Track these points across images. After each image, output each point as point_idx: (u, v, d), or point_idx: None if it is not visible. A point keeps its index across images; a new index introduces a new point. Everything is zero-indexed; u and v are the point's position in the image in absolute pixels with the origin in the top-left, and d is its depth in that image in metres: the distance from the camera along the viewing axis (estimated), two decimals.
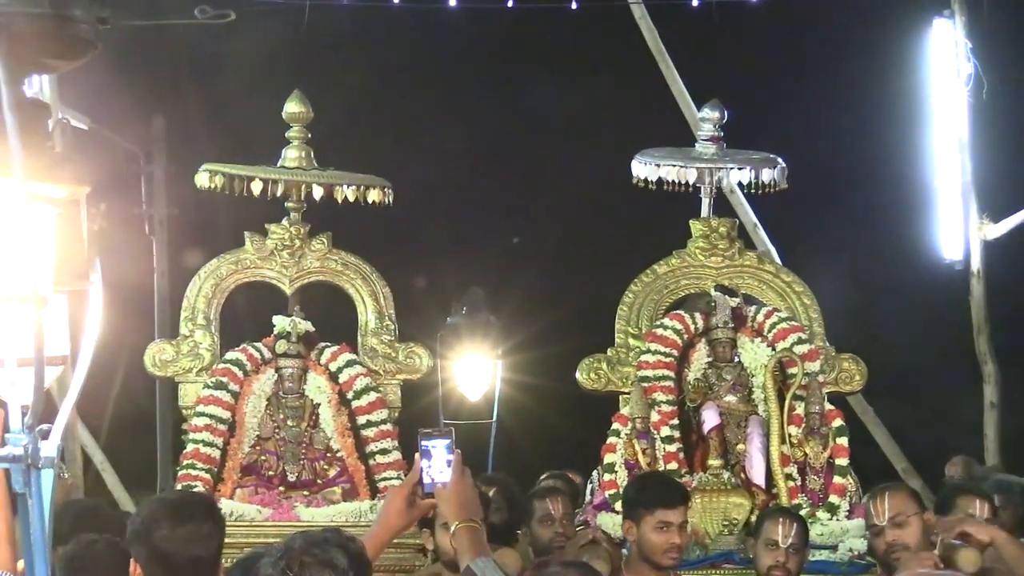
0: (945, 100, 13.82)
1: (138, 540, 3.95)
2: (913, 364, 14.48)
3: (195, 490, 6.34)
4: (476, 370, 16.19)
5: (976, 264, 13.70)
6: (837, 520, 6.57)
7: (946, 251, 13.96)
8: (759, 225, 12.67)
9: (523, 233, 16.25)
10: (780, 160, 7.18)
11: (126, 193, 14.07)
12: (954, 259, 13.89)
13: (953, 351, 13.99)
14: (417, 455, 4.25)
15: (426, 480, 4.22)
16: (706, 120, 7.25)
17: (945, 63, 13.76)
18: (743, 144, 7.44)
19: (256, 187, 6.83)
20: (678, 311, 7.02)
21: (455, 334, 16.14)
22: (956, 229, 13.84)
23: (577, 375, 6.90)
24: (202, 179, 6.87)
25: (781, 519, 6.08)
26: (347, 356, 6.87)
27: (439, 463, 4.22)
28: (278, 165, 6.98)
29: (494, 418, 16.19)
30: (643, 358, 6.84)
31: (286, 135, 7.03)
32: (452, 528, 4.11)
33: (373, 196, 6.90)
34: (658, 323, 6.95)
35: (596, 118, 15.00)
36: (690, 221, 7.19)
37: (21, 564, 2.85)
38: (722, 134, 7.22)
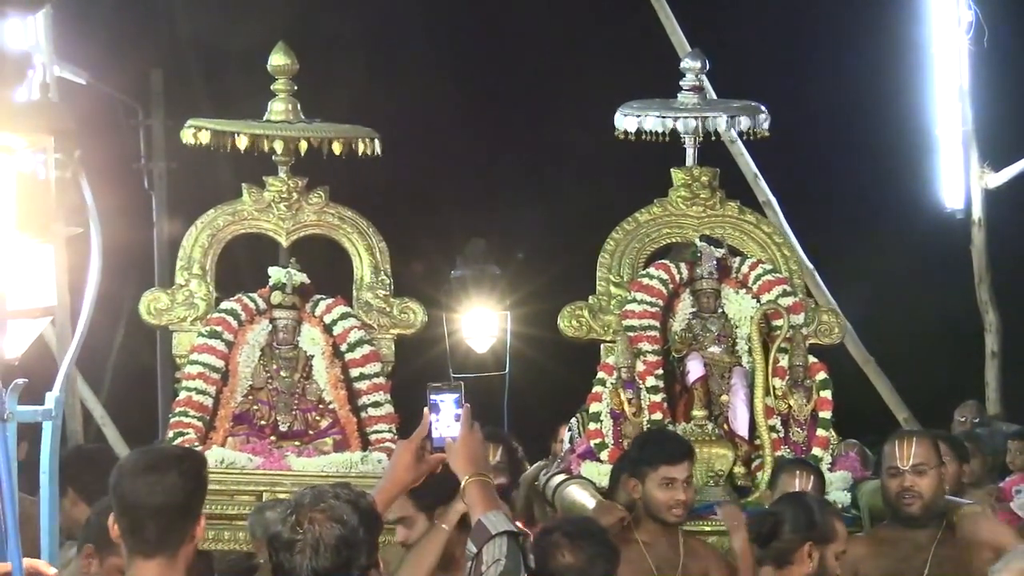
0: (946, 48, 13.76)
1: (112, 491, 3.98)
2: (914, 313, 14.49)
3: (180, 443, 6.32)
4: (482, 322, 16.12)
5: (977, 212, 13.68)
6: None
7: (947, 200, 13.94)
8: (759, 176, 12.62)
9: (529, 182, 16.16)
10: (762, 107, 7.12)
11: (124, 147, 14.04)
12: (955, 208, 13.87)
13: (954, 300, 13.98)
14: (426, 409, 4.25)
15: (435, 434, 4.22)
16: (687, 70, 7.19)
17: (946, 10, 13.70)
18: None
19: (240, 143, 6.76)
20: (663, 260, 6.97)
21: (461, 286, 16.07)
22: (957, 178, 13.82)
23: (559, 323, 6.85)
24: (187, 136, 6.81)
25: (798, 471, 6.09)
26: (342, 309, 6.83)
27: (447, 417, 4.21)
28: (264, 119, 6.92)
29: (506, 370, 16.10)
30: (629, 307, 6.78)
31: (271, 88, 6.97)
32: (463, 483, 4.12)
33: (360, 148, 6.83)
34: (644, 272, 6.89)
35: (599, 65, 14.91)
36: (672, 170, 7.13)
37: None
38: (703, 83, 7.17)
